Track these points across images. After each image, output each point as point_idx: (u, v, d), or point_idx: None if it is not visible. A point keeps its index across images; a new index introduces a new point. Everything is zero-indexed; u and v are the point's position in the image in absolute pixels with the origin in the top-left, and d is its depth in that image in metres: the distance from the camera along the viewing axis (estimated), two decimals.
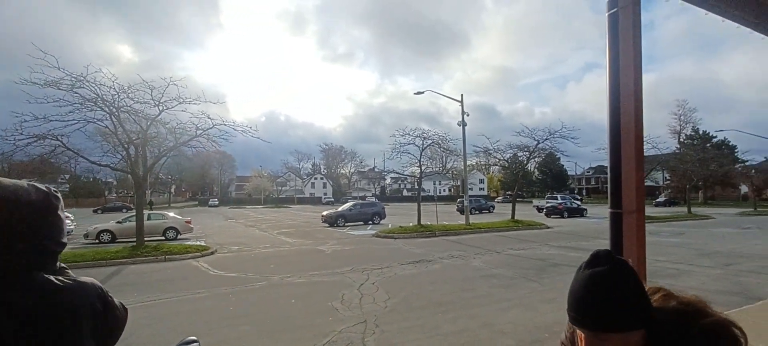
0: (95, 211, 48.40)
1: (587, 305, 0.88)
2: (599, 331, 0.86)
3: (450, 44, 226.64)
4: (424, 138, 21.04)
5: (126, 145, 13.42)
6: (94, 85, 11.92)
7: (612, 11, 2.61)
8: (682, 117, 60.69)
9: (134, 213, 15.12)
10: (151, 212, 19.48)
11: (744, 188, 46.57)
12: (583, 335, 0.90)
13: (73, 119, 12.10)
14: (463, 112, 21.54)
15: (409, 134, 20.86)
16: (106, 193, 71.17)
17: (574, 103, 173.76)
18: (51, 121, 11.67)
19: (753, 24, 3.49)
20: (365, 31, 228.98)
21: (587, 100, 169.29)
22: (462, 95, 21.68)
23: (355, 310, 6.23)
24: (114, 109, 12.50)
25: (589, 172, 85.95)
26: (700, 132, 55.20)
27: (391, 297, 6.96)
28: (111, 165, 15.16)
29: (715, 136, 51.02)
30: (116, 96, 12.42)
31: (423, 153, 21.53)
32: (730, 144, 49.66)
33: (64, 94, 11.60)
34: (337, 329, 5.33)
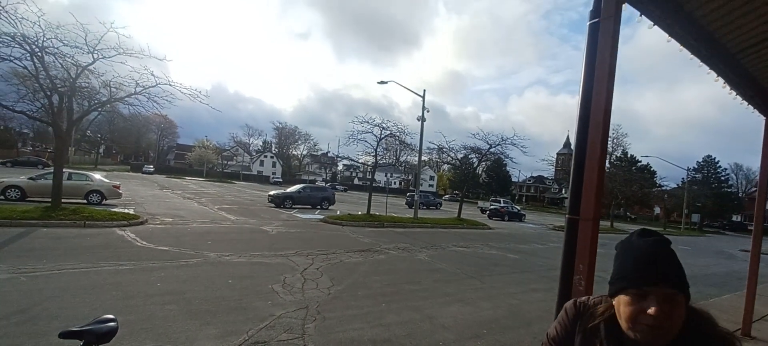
0: (4, 163, 42.61)
1: (659, 265, 0.94)
2: (670, 287, 0.92)
3: (403, 42, 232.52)
4: (383, 128, 20.97)
5: (49, 93, 11.79)
6: (14, 16, 10.30)
7: (593, 21, 2.61)
8: (615, 140, 66.59)
9: (51, 170, 13.42)
10: (73, 171, 17.44)
11: (657, 209, 52.28)
12: (628, 303, 0.95)
13: None
14: (423, 108, 21.73)
15: (368, 122, 20.66)
16: (19, 145, 62.98)
17: (514, 115, 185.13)
18: None
19: (705, 57, 3.75)
20: (321, 15, 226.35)
21: (525, 113, 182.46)
22: (424, 90, 21.85)
23: (297, 295, 5.98)
24: (37, 49, 10.90)
25: (530, 180, 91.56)
26: (629, 155, 60.91)
27: (335, 284, 6.79)
28: (27, 112, 13.28)
29: (640, 161, 56.50)
30: (41, 34, 10.84)
31: (379, 144, 21.45)
32: (652, 169, 55.30)
33: None
34: (275, 313, 5.05)
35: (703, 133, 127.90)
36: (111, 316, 1.80)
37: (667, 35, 3.28)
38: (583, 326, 1.10)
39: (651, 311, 0.91)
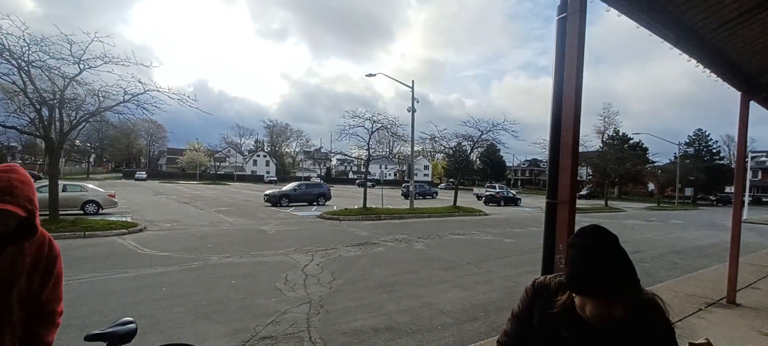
0: None
1: (596, 279, 1.05)
2: (604, 297, 1.05)
3: (378, 35, 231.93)
4: (374, 121, 21.09)
5: (38, 106, 11.78)
6: None
7: (561, 16, 2.78)
8: (606, 119, 67.22)
9: (45, 183, 13.44)
10: (67, 182, 17.44)
11: (651, 186, 52.97)
12: (590, 302, 1.08)
13: None
14: (413, 98, 21.84)
15: (358, 116, 20.76)
16: (9, 158, 62.23)
17: (496, 100, 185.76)
18: None
19: (673, 41, 3.93)
20: (293, 13, 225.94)
21: (507, 98, 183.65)
22: (413, 81, 21.95)
23: (300, 291, 6.17)
24: (23, 63, 10.88)
25: (525, 164, 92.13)
26: (620, 134, 61.52)
27: (336, 278, 6.99)
28: (18, 127, 13.23)
29: (632, 139, 57.09)
30: (26, 48, 10.81)
31: (371, 137, 21.58)
32: (644, 146, 55.90)
33: None
34: (280, 309, 5.25)
35: (681, 107, 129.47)
36: (130, 318, 1.97)
37: (636, 24, 3.46)
38: (541, 306, 1.26)
39: (618, 314, 1.07)
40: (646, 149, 54.86)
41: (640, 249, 11.93)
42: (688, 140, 62.91)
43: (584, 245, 1.09)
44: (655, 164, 51.13)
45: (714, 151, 62.72)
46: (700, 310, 5.35)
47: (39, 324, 1.54)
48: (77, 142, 60.56)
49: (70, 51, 11.44)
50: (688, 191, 51.17)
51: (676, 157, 50.14)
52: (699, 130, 63.49)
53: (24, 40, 10.70)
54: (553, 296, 1.23)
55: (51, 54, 11.32)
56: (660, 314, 1.15)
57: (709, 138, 62.88)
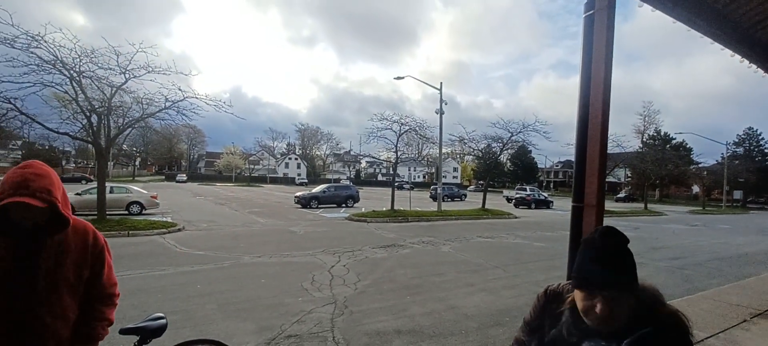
0: None
1: (606, 272, 1.06)
2: (613, 292, 1.05)
3: (403, 39, 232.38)
4: (402, 124, 21.10)
5: (88, 113, 12.67)
6: (52, 45, 11.14)
7: (588, 13, 2.71)
8: (646, 118, 63.91)
9: (95, 185, 14.42)
10: (114, 184, 18.64)
11: (696, 188, 49.78)
12: (582, 299, 1.10)
13: (28, 82, 11.29)
14: (441, 100, 21.70)
15: (386, 119, 20.86)
16: (64, 162, 67.12)
17: (525, 100, 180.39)
18: (2, 82, 10.87)
19: (714, 35, 3.72)
20: (321, 19, 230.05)
21: (536, 99, 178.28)
22: (441, 83, 21.81)
23: (325, 291, 6.28)
24: (75, 74, 11.75)
25: (557, 165, 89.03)
26: (662, 133, 58.24)
27: (361, 279, 7.06)
28: (70, 133, 14.28)
29: (675, 138, 53.90)
30: (77, 60, 11.67)
31: (399, 139, 21.61)
32: (687, 146, 52.61)
33: (18, 53, 10.79)
34: (306, 309, 5.37)
35: (724, 104, 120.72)
36: (161, 314, 2.10)
37: (672, 19, 3.30)
38: (551, 311, 1.26)
39: (597, 309, 1.06)
40: (690, 150, 51.61)
41: (682, 255, 11.25)
42: (737, 140, 58.65)
43: (588, 240, 1.13)
44: (700, 165, 48.01)
45: (766, 151, 58.06)
46: (745, 321, 4.98)
47: (101, 304, 1.75)
48: (124, 146, 64.60)
49: (117, 62, 12.25)
50: (737, 194, 47.65)
51: (723, 157, 46.85)
52: (749, 128, 59.11)
53: (75, 52, 11.58)
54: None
55: (100, 65, 12.18)
56: (679, 332, 1.07)
57: (760, 137, 58.35)
